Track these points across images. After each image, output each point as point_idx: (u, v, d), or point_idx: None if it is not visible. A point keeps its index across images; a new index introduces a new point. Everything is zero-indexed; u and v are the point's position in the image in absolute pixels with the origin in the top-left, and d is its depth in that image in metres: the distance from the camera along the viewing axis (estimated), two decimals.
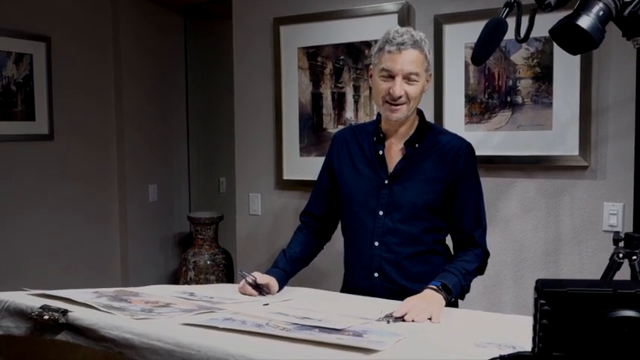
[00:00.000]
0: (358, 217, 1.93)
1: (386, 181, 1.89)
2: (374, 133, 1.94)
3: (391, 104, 1.81)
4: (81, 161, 3.68)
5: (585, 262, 2.48)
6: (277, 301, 1.74)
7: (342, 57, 2.93)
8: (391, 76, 1.79)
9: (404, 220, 1.87)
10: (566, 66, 2.44)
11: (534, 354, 0.90)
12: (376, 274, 1.90)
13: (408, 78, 1.79)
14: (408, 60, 1.78)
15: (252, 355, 1.18)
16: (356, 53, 2.89)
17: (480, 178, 1.93)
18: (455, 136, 1.93)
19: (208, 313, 1.49)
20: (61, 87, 3.53)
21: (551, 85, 2.48)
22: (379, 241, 1.89)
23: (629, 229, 1.85)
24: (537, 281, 0.89)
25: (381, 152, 1.91)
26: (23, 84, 3.36)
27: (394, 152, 1.91)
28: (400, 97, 1.79)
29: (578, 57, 2.37)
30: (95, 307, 1.46)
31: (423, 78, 1.82)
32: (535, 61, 2.50)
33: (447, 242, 1.98)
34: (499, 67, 2.57)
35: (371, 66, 1.91)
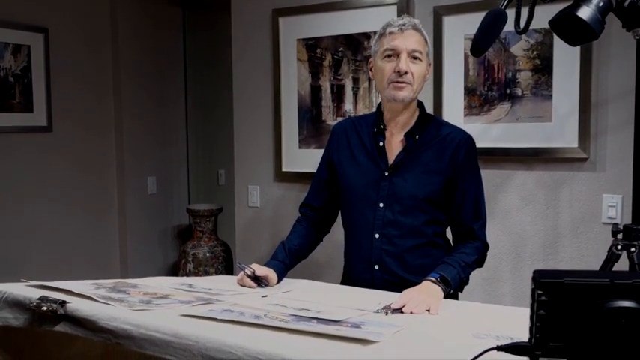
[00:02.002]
0: (358, 209, 1.93)
1: (386, 173, 1.88)
2: (374, 125, 1.93)
3: (397, 82, 1.80)
4: (79, 153, 3.67)
5: (584, 254, 2.48)
6: (276, 292, 1.74)
7: (341, 49, 2.92)
8: (396, 54, 1.80)
9: (404, 212, 1.86)
10: (565, 58, 2.43)
11: (531, 344, 0.90)
12: (377, 267, 1.90)
13: (412, 56, 1.80)
14: (411, 39, 1.80)
15: (250, 346, 1.18)
16: (355, 45, 2.88)
17: (480, 171, 1.93)
18: (456, 128, 1.93)
19: (207, 304, 1.49)
20: (59, 78, 3.52)
21: (551, 77, 2.47)
22: (379, 233, 1.88)
23: (628, 221, 1.85)
24: (535, 271, 0.89)
25: (381, 144, 1.90)
26: (21, 75, 3.35)
27: (394, 144, 1.90)
28: (407, 72, 1.79)
29: (577, 49, 2.36)
30: (93, 298, 1.46)
31: (425, 61, 1.83)
32: (535, 52, 2.49)
33: (447, 235, 1.98)
34: (499, 58, 2.56)
35: (371, 59, 1.90)
